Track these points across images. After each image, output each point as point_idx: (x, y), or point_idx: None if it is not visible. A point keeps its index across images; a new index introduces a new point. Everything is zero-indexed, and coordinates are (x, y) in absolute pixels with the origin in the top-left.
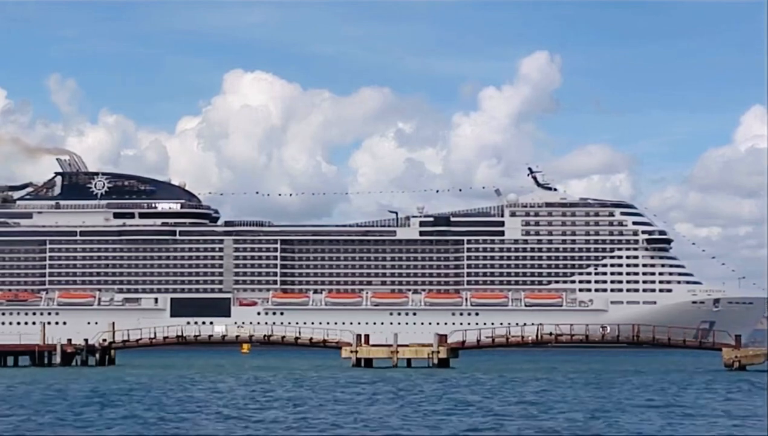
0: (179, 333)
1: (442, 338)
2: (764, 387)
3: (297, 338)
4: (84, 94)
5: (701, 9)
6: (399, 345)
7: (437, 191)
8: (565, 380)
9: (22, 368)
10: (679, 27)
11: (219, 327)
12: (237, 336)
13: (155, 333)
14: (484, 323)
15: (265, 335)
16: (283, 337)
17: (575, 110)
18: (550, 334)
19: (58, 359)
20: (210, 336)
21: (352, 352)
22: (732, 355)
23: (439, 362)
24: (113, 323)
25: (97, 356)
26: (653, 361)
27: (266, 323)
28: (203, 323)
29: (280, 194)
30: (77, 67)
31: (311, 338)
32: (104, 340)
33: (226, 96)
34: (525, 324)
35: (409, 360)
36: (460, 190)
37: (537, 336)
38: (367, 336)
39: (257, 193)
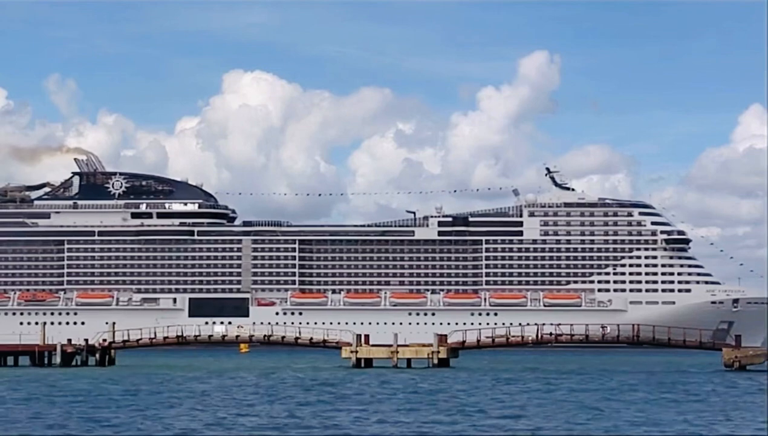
0: (179, 333)
1: (442, 338)
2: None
3: (297, 338)
4: (83, 94)
5: (701, 9)
6: (399, 345)
7: (455, 191)
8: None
9: (23, 368)
10: (679, 27)
11: (219, 327)
12: (237, 336)
13: (155, 333)
14: (503, 323)
15: (265, 335)
16: (283, 337)
17: (574, 110)
18: (550, 334)
19: (58, 359)
20: (210, 336)
21: (352, 352)
22: (732, 355)
23: (439, 362)
24: (113, 323)
25: (97, 356)
26: (652, 361)
27: (285, 323)
28: (221, 323)
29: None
30: (77, 67)
31: (311, 338)
32: (104, 340)
33: (225, 96)
34: (544, 324)
35: (409, 360)
36: (477, 189)
37: (537, 336)
38: (367, 336)
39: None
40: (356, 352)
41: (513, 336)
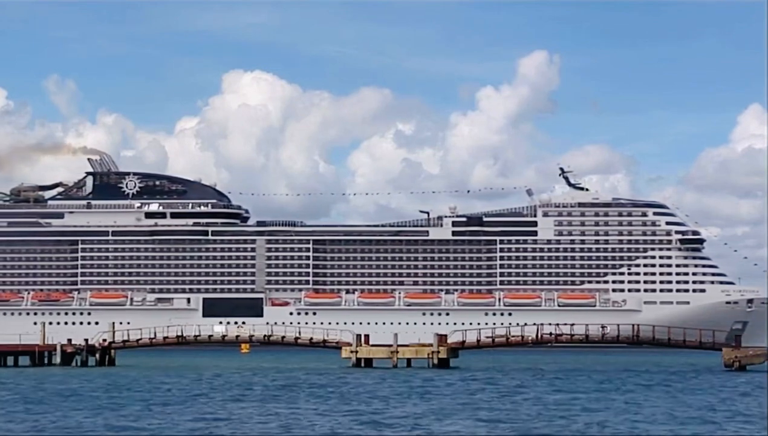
0: (179, 333)
1: (442, 338)
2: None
3: (297, 338)
4: (83, 94)
5: (701, 9)
6: (399, 345)
7: (468, 191)
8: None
9: (23, 368)
10: (678, 27)
11: (219, 327)
12: (237, 336)
13: (155, 333)
14: (517, 323)
15: (265, 335)
16: (283, 337)
17: (573, 110)
18: (550, 334)
19: (58, 359)
20: (210, 336)
21: (352, 352)
22: (732, 355)
23: (439, 362)
24: (113, 323)
25: (97, 356)
26: (649, 361)
27: (299, 323)
28: (235, 323)
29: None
30: (77, 67)
31: (311, 338)
32: (104, 340)
33: (224, 96)
34: (558, 324)
35: (409, 360)
36: (491, 188)
37: (537, 336)
38: (367, 336)
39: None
40: (356, 352)
41: (513, 336)
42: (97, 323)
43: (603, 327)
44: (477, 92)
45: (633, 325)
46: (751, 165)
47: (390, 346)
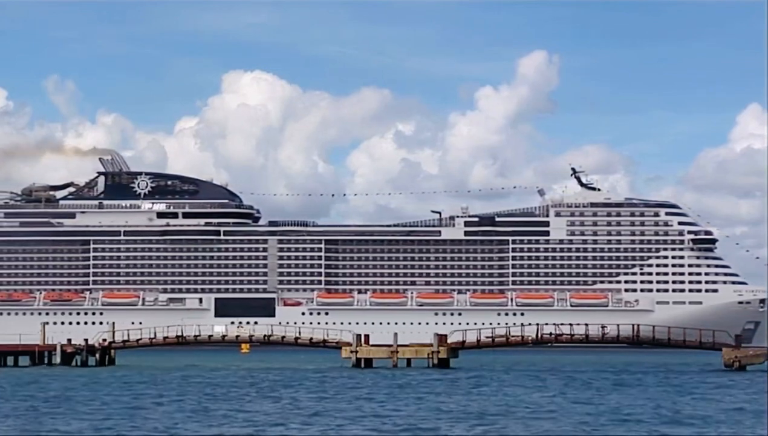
0: (179, 333)
1: (442, 338)
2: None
3: (297, 338)
4: (83, 94)
5: (701, 9)
6: (399, 345)
7: (475, 190)
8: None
9: (22, 368)
10: (677, 27)
11: (219, 327)
12: (237, 336)
13: (155, 333)
14: (529, 323)
15: (265, 335)
16: (283, 337)
17: (572, 110)
18: (550, 334)
19: (58, 359)
20: (210, 336)
21: (352, 352)
22: (732, 355)
23: (439, 362)
24: (113, 323)
25: (97, 356)
26: (651, 361)
27: (311, 323)
28: (247, 323)
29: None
30: (76, 67)
31: (311, 338)
32: (104, 340)
33: (224, 96)
34: (571, 324)
35: (408, 360)
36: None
37: (537, 336)
38: (367, 336)
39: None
40: (356, 352)
41: (513, 336)
42: (108, 323)
43: (603, 327)
44: (476, 92)
45: (633, 325)
46: (750, 165)
47: (390, 346)
